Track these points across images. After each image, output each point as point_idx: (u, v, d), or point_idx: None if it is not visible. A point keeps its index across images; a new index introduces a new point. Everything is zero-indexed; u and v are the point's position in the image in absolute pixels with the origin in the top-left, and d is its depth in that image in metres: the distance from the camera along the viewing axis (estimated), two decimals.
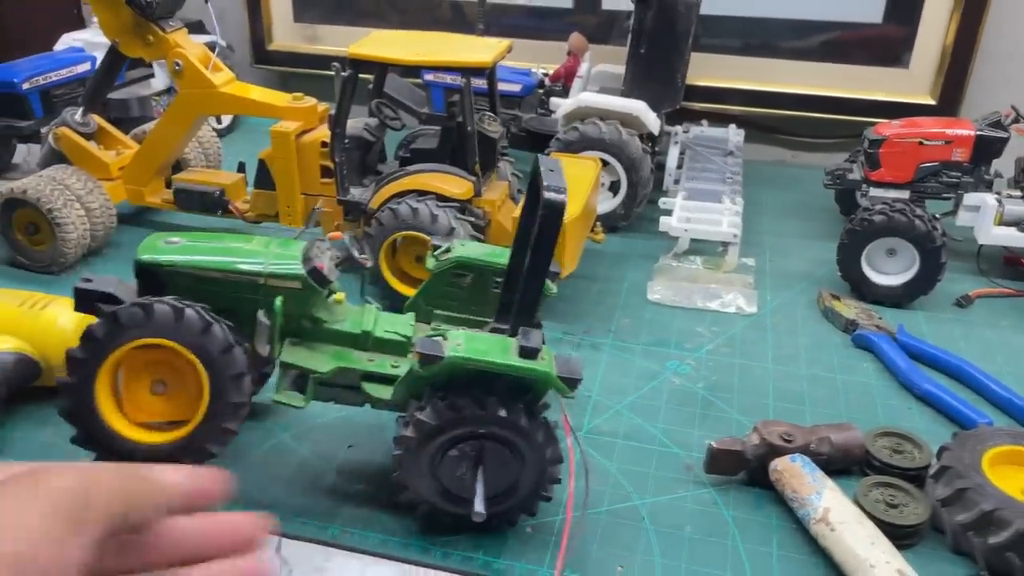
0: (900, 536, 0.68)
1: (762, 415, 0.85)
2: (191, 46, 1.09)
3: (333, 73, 1.04)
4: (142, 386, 0.65)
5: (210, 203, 1.15)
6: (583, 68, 1.34)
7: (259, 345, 0.67)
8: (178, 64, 1.08)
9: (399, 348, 0.71)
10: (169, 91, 1.54)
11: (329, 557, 0.68)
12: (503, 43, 1.03)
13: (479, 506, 0.63)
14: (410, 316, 0.75)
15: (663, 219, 1.15)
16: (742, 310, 1.05)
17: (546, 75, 1.38)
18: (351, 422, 0.82)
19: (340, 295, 0.72)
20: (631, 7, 1.22)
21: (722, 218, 1.15)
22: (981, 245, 1.12)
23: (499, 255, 0.75)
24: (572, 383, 0.62)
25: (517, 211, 0.96)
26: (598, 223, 1.11)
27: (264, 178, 1.10)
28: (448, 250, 0.76)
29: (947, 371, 0.93)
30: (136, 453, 0.64)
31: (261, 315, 0.66)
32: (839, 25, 1.46)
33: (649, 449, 0.81)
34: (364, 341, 0.70)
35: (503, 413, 0.62)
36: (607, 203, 1.24)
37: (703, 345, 0.98)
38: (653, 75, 1.24)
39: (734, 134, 1.45)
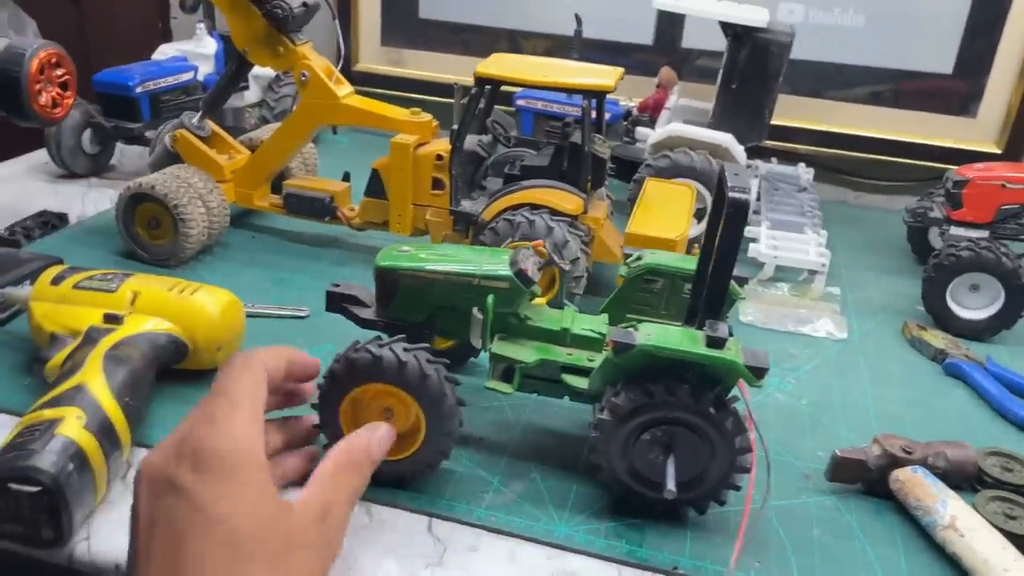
0: (1022, 546, 0.72)
1: (867, 432, 0.89)
2: (316, 59, 1.15)
3: (454, 92, 1.09)
4: (375, 412, 0.73)
5: (319, 208, 1.20)
6: (671, 100, 1.40)
7: (473, 338, 0.75)
8: (304, 75, 1.13)
9: (595, 344, 0.77)
10: (262, 104, 1.60)
11: (479, 537, 0.71)
12: (618, 70, 1.08)
13: (670, 484, 0.67)
14: (603, 317, 0.81)
15: (752, 246, 1.20)
16: (832, 335, 1.10)
17: (633, 107, 1.44)
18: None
19: (541, 299, 0.80)
20: (708, 45, 1.29)
21: (808, 247, 1.21)
22: None
23: (688, 261, 0.80)
24: (759, 372, 0.66)
25: (616, 236, 1.03)
26: (696, 245, 1.16)
27: (376, 187, 1.15)
28: (639, 258, 0.82)
29: None
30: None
31: (475, 311, 0.75)
32: (910, 74, 1.53)
33: (761, 456, 0.84)
34: (563, 337, 0.77)
35: (692, 400, 0.67)
36: (693, 229, 1.28)
37: (800, 366, 1.02)
38: (741, 110, 1.30)
39: (803, 171, 1.51)
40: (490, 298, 0.75)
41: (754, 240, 1.22)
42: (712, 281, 0.69)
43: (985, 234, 1.18)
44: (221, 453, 0.54)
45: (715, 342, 0.67)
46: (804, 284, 1.19)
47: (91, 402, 0.71)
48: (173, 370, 0.87)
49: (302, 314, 1.03)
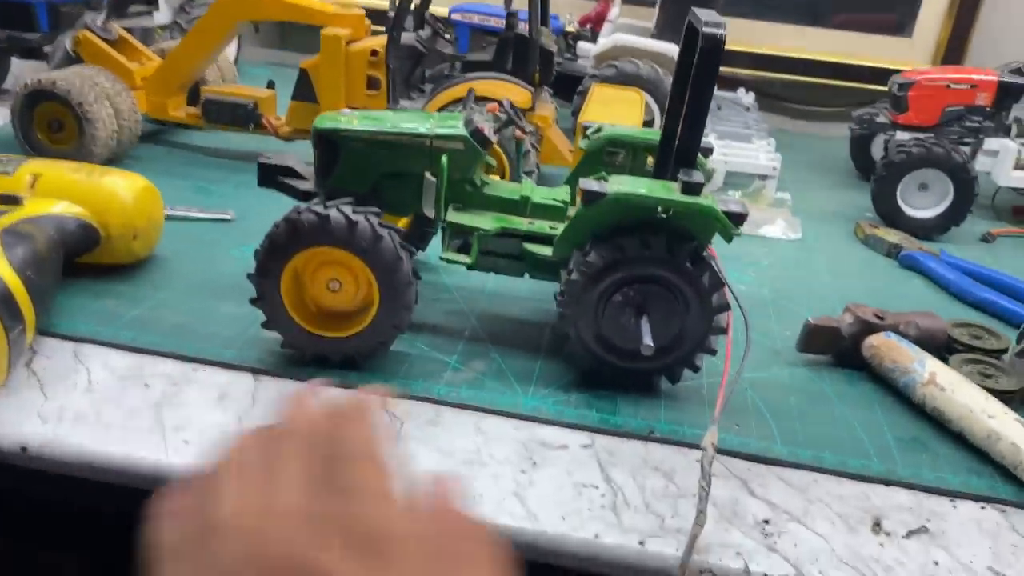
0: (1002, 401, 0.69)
1: (832, 314, 0.87)
2: None
3: None
4: (319, 284, 0.67)
5: (242, 116, 1.11)
6: (613, 13, 1.36)
7: (426, 206, 0.69)
8: None
9: (558, 213, 0.72)
10: (172, 26, 1.49)
11: (440, 412, 0.65)
12: None
13: (647, 339, 0.62)
14: (564, 188, 0.75)
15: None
16: (787, 235, 1.07)
17: (573, 23, 1.39)
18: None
19: (497, 176, 0.75)
20: None
21: (759, 153, 1.18)
22: (999, 188, 1.18)
23: (650, 133, 0.75)
24: (737, 218, 0.61)
25: (564, 141, 0.97)
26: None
27: (305, 89, 1.07)
28: (599, 130, 0.76)
29: (995, 285, 0.96)
30: (321, 344, 0.67)
31: (428, 175, 0.68)
32: None
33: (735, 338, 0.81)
34: (523, 206, 0.72)
35: (668, 253, 0.62)
36: None
37: (759, 261, 0.99)
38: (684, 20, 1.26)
39: (745, 96, 1.49)
40: (444, 158, 0.68)
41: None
42: (685, 129, 0.63)
43: (931, 137, 1.18)
44: (376, 535, 0.38)
45: (691, 188, 0.62)
46: (756, 192, 1.17)
47: None
48: (86, 264, 0.77)
49: (227, 216, 0.94)
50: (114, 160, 1.07)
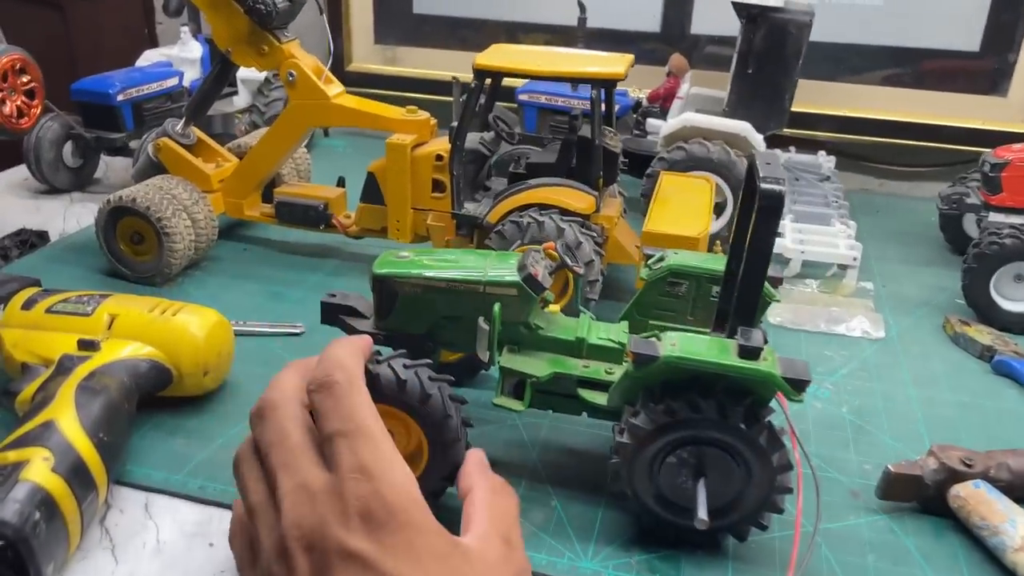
0: None
1: (916, 441, 0.82)
2: (304, 57, 1.08)
3: (452, 88, 1.02)
4: None
5: (313, 217, 1.13)
6: (683, 89, 1.32)
7: (480, 350, 0.68)
8: (292, 75, 1.06)
9: (614, 355, 0.70)
10: (251, 109, 1.53)
11: None
12: (627, 57, 1.01)
13: (702, 512, 0.60)
14: (624, 324, 0.73)
15: (776, 241, 1.12)
16: (869, 334, 1.02)
17: (642, 98, 1.37)
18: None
19: (555, 307, 0.73)
20: (719, 31, 1.21)
21: (837, 240, 1.13)
22: None
23: (716, 261, 0.73)
24: (799, 384, 0.58)
25: (631, 235, 0.95)
26: (718, 242, 1.09)
27: (372, 191, 1.08)
28: (661, 259, 0.74)
29: None
30: None
31: (481, 321, 0.68)
32: (934, 53, 1.45)
33: (808, 474, 0.77)
34: (578, 348, 0.70)
35: (720, 415, 0.59)
36: (714, 225, 1.21)
37: (837, 369, 0.95)
38: (759, 96, 1.22)
39: (825, 160, 1.43)
40: (496, 306, 0.68)
41: (779, 234, 1.14)
42: (744, 283, 0.61)
43: None
44: (392, 508, 0.45)
45: (749, 352, 0.59)
46: (834, 280, 1.12)
47: (60, 441, 0.64)
48: (158, 398, 0.80)
49: (297, 331, 0.96)
50: (193, 264, 1.11)
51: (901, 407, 0.88)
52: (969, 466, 0.71)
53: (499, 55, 1.01)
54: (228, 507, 0.69)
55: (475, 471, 0.57)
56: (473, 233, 1.04)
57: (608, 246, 1.02)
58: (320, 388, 0.51)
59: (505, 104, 1.41)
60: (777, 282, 0.73)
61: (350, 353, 0.55)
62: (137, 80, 1.33)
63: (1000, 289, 1.04)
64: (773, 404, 0.62)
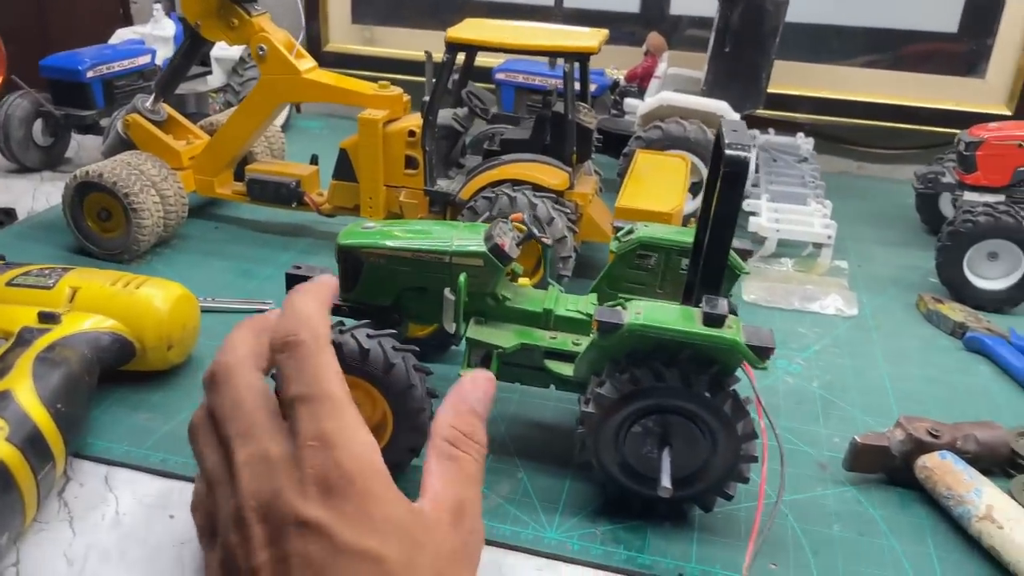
0: None
1: (886, 415, 0.82)
2: (275, 31, 1.06)
3: (425, 61, 1.01)
4: None
5: (285, 195, 1.12)
6: (661, 68, 1.32)
7: (446, 321, 0.67)
8: (262, 49, 1.05)
9: (581, 326, 0.69)
10: (226, 88, 1.52)
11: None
12: (602, 32, 1.00)
13: (665, 480, 0.60)
14: (592, 296, 0.73)
15: (752, 220, 1.12)
16: (842, 312, 1.02)
17: (620, 77, 1.36)
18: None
19: (524, 279, 0.72)
20: (698, 11, 1.20)
21: (813, 219, 1.13)
22: None
23: (685, 234, 0.72)
24: (763, 352, 0.58)
25: (606, 213, 0.95)
26: (692, 219, 1.08)
27: (344, 168, 1.07)
28: (631, 231, 0.73)
29: None
30: None
31: (447, 292, 0.67)
32: (912, 34, 1.44)
33: (773, 445, 0.77)
34: (546, 319, 0.70)
35: (682, 384, 0.59)
36: (688, 204, 1.20)
37: (809, 345, 0.94)
38: (736, 75, 1.22)
39: (803, 141, 1.43)
40: (462, 277, 0.67)
41: (754, 214, 1.14)
42: (709, 251, 0.61)
43: (1001, 198, 1.10)
44: (351, 476, 0.43)
45: (713, 320, 0.59)
46: (809, 259, 1.12)
47: (16, 411, 0.63)
48: (123, 372, 0.78)
49: (266, 307, 0.95)
50: (162, 242, 1.09)
51: (872, 382, 0.88)
52: (936, 437, 0.71)
53: (472, 28, 1.00)
54: (190, 480, 0.68)
55: (444, 422, 0.52)
56: (446, 210, 1.03)
57: (582, 223, 1.01)
58: (284, 348, 0.49)
59: (483, 85, 1.40)
60: (746, 255, 0.73)
61: (315, 307, 0.52)
62: (108, 57, 1.31)
63: (973, 267, 1.04)
64: (741, 375, 0.62)
